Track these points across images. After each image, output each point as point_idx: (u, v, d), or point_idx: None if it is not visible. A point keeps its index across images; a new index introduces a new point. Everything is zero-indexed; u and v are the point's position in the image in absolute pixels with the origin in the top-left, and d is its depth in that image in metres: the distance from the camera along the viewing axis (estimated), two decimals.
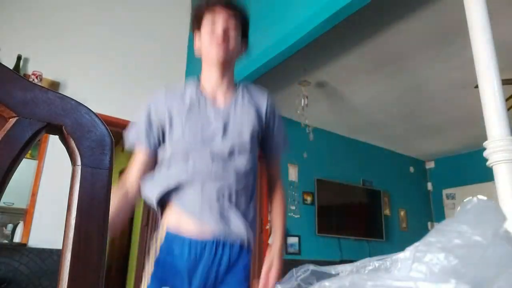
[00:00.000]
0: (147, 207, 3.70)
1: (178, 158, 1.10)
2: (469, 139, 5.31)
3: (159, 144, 1.16)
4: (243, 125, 1.13)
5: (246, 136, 1.12)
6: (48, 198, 2.87)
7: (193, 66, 3.80)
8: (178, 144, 1.11)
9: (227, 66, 1.15)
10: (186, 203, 1.07)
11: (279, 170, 1.29)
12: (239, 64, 1.26)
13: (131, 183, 1.14)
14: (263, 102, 1.20)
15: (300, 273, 0.45)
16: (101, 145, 0.36)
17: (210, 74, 1.17)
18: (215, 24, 1.12)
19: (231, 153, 1.09)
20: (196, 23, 1.19)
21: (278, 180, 1.27)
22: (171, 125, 1.13)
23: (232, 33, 1.13)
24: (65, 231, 0.33)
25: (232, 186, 1.08)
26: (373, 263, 0.42)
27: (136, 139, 1.18)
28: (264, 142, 1.21)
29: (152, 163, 1.17)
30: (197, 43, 1.21)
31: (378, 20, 3.06)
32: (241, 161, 1.11)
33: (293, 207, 4.54)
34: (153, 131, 1.15)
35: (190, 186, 1.07)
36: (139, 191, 1.14)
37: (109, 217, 0.95)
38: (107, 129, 0.38)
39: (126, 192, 1.12)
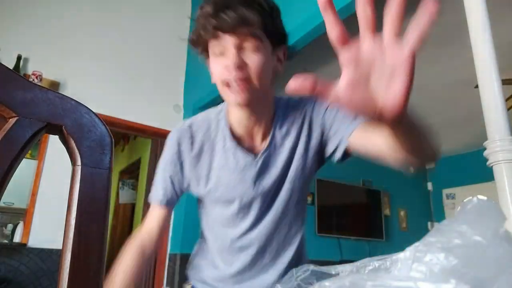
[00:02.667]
0: (147, 207, 3.70)
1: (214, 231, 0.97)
2: (469, 139, 5.31)
3: (179, 196, 0.97)
4: (283, 176, 0.90)
5: (289, 188, 0.91)
6: (48, 198, 2.87)
7: (193, 67, 3.80)
8: (210, 216, 0.97)
9: (256, 103, 0.83)
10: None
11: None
12: None
13: (150, 240, 0.94)
14: (301, 118, 0.91)
15: (300, 273, 0.45)
16: (101, 145, 0.36)
17: (236, 113, 0.88)
18: (225, 56, 0.78)
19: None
20: (197, 48, 0.86)
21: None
22: (198, 183, 0.93)
23: (254, 60, 0.78)
24: (65, 231, 0.33)
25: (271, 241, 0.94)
26: (373, 263, 0.42)
27: (154, 196, 0.97)
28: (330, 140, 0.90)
29: (170, 215, 1.00)
30: (210, 72, 0.88)
31: (378, 20, 3.06)
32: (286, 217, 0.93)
33: None
34: (171, 187, 0.95)
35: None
36: (156, 248, 0.98)
37: (126, 281, 0.83)
38: (107, 129, 0.38)
39: (142, 251, 0.93)
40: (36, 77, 2.93)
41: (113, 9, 3.59)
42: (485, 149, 1.23)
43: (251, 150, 0.90)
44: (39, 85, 0.35)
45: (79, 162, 0.35)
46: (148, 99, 3.60)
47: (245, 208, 0.91)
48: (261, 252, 0.93)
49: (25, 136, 0.33)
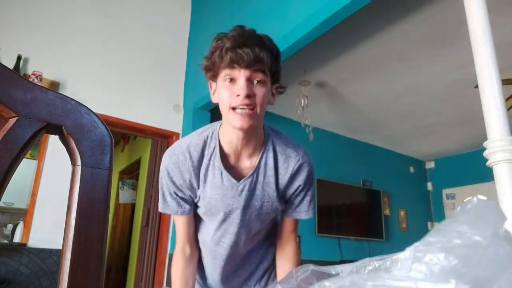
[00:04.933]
0: (147, 207, 3.70)
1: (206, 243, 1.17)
2: (469, 139, 5.31)
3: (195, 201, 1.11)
4: (263, 204, 1.06)
5: (265, 218, 1.10)
6: (48, 198, 2.87)
7: (193, 67, 3.80)
8: (202, 228, 1.16)
9: (254, 130, 0.97)
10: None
11: (294, 228, 1.17)
12: None
13: (183, 246, 1.14)
14: (288, 168, 1.05)
15: (300, 273, 0.45)
16: (101, 145, 0.36)
17: (232, 136, 0.99)
18: (236, 85, 0.90)
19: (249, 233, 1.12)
20: (208, 72, 0.98)
21: (291, 234, 1.16)
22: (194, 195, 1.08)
23: (260, 91, 0.91)
24: (65, 231, 0.33)
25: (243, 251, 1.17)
26: (373, 263, 0.42)
27: (169, 210, 1.10)
28: (285, 203, 1.11)
29: (193, 216, 1.15)
30: (212, 93, 1.02)
31: (378, 20, 3.06)
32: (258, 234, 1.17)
33: None
34: (182, 202, 1.08)
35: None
36: (196, 247, 1.17)
37: None
38: (107, 129, 0.38)
39: (182, 257, 1.13)
40: (36, 77, 2.93)
41: (113, 9, 3.59)
42: (485, 149, 1.23)
43: (235, 168, 1.04)
44: (39, 85, 0.35)
45: (79, 162, 0.35)
46: (148, 99, 3.60)
47: (224, 221, 1.08)
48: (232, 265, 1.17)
49: (25, 136, 0.33)
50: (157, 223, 3.54)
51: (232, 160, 1.03)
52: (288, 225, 1.14)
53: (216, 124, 1.07)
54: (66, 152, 0.36)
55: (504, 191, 1.14)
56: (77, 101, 0.37)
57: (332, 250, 4.85)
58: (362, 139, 5.64)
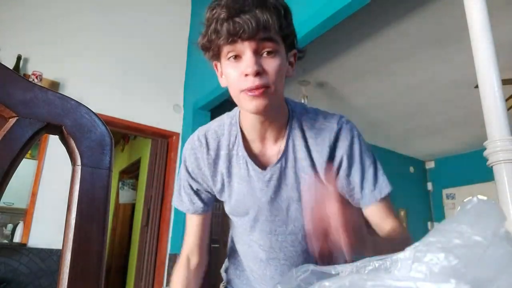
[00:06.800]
0: (147, 207, 3.70)
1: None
2: (469, 139, 5.31)
3: (210, 200, 0.97)
4: (293, 195, 0.86)
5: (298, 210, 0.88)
6: (48, 198, 2.87)
7: (193, 67, 3.80)
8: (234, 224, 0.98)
9: (270, 109, 0.77)
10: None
11: (381, 217, 0.85)
12: None
13: (190, 253, 0.98)
14: (324, 143, 0.84)
15: (300, 273, 0.45)
16: (101, 145, 0.36)
17: (250, 119, 0.84)
18: (242, 61, 0.74)
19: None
20: (207, 52, 0.80)
21: (383, 224, 0.85)
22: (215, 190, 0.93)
23: (272, 65, 0.74)
24: (65, 231, 0.33)
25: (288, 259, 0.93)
26: (373, 263, 0.42)
27: (182, 207, 0.97)
28: (343, 190, 0.86)
29: (208, 216, 0.99)
30: (219, 76, 0.84)
31: (378, 20, 3.06)
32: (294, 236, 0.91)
33: None
34: (196, 198, 0.95)
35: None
36: (205, 257, 1.00)
37: None
38: (107, 129, 0.38)
39: (186, 266, 0.97)
40: (36, 77, 2.93)
41: (113, 9, 3.59)
42: (485, 149, 1.23)
43: (262, 155, 0.87)
44: (39, 85, 0.35)
45: (79, 162, 0.35)
46: (148, 99, 3.60)
47: (256, 220, 0.91)
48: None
49: (25, 136, 0.33)
50: (157, 223, 3.54)
51: (257, 147, 0.87)
52: (371, 217, 0.85)
53: (236, 109, 0.91)
54: (66, 152, 0.36)
55: (504, 191, 1.14)
56: (77, 101, 0.37)
57: None
58: None
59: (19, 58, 2.92)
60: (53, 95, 0.35)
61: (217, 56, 0.78)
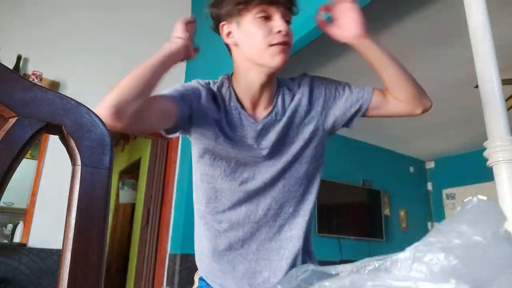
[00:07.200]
0: (147, 207, 3.70)
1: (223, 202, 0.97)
2: (469, 139, 5.31)
3: (185, 118, 0.95)
4: (291, 146, 0.96)
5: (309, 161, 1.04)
6: (48, 198, 2.87)
7: (193, 67, 3.80)
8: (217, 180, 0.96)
9: (277, 72, 0.93)
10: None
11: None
12: None
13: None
14: (303, 95, 0.98)
15: (300, 273, 0.45)
16: (100, 145, 0.36)
17: (253, 82, 0.92)
18: (273, 21, 0.87)
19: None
20: (222, 10, 0.91)
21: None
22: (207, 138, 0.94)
23: (290, 30, 0.91)
24: (65, 231, 0.33)
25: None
26: (373, 263, 0.42)
27: (169, 93, 0.99)
28: (346, 110, 1.05)
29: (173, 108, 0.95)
30: (226, 35, 0.94)
31: (378, 20, 3.06)
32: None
33: None
34: (183, 103, 0.95)
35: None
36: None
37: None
38: (107, 129, 0.38)
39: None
40: (36, 77, 2.93)
41: (113, 9, 3.59)
42: (485, 149, 1.23)
43: (252, 116, 0.95)
44: (39, 85, 0.35)
45: (79, 162, 0.35)
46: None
47: (242, 168, 0.95)
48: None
49: (25, 136, 0.33)
50: (157, 223, 3.54)
51: (248, 110, 0.95)
52: (377, 101, 1.13)
53: (222, 76, 1.00)
54: (66, 152, 0.36)
55: (504, 191, 1.14)
56: (77, 101, 0.37)
57: (332, 250, 4.85)
58: (362, 139, 5.63)
59: (19, 58, 2.92)
60: (53, 95, 0.35)
61: (229, 16, 0.90)
